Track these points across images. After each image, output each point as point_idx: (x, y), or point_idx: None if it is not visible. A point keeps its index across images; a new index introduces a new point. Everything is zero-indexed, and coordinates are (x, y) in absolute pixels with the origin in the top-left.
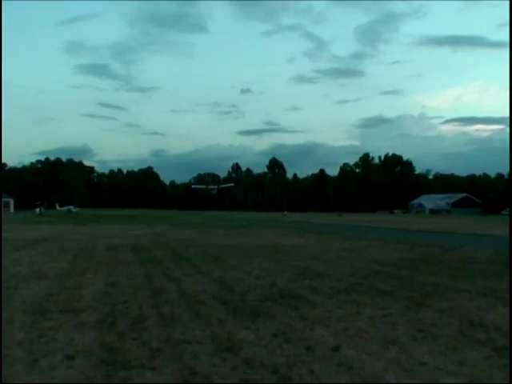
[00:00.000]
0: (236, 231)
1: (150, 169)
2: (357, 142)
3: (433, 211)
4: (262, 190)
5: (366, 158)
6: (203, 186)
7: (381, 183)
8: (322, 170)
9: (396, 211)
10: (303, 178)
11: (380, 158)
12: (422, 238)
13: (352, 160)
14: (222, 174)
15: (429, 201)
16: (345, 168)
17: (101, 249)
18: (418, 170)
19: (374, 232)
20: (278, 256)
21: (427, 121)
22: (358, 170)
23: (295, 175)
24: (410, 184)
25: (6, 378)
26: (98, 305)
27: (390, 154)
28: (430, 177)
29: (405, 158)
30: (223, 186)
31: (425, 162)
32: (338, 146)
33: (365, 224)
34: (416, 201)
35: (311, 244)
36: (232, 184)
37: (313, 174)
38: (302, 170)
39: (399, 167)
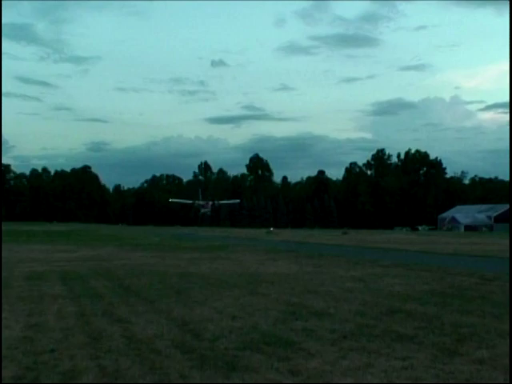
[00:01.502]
0: (206, 254)
1: (86, 168)
2: (368, 135)
3: (470, 227)
4: (241, 199)
5: (380, 156)
6: (189, 202)
7: (400, 190)
8: (321, 172)
9: (421, 228)
10: (296, 183)
11: (399, 156)
12: (456, 265)
13: (362, 158)
14: (186, 177)
15: (464, 214)
16: (352, 169)
17: (19, 278)
18: (449, 173)
19: (391, 256)
20: (262, 288)
21: (463, 106)
22: (369, 173)
23: (285, 179)
24: (439, 191)
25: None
26: (16, 355)
27: (413, 151)
28: (466, 182)
29: (432, 157)
30: (222, 202)
31: (459, 161)
32: (342, 140)
33: (379, 245)
34: (447, 214)
35: (306, 272)
36: (237, 200)
37: (309, 178)
38: (295, 171)
39: (425, 169)
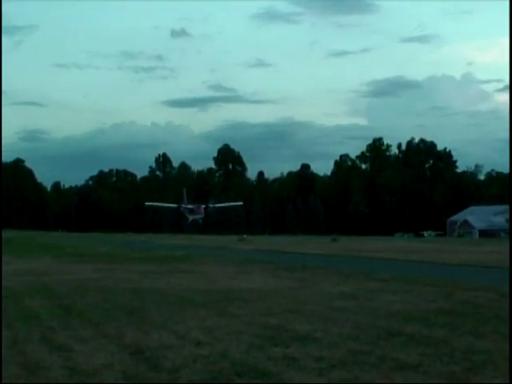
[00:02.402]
0: (164, 267)
1: (19, 162)
2: (363, 121)
3: (485, 233)
4: (207, 199)
5: (377, 147)
6: (171, 206)
7: (402, 188)
8: (305, 167)
9: (426, 233)
10: (275, 180)
11: (400, 146)
12: (468, 278)
13: (355, 149)
14: (140, 172)
15: (479, 216)
16: (343, 163)
17: None
18: (461, 167)
19: (390, 267)
20: (233, 308)
21: (477, 86)
22: (364, 166)
23: (261, 175)
24: (448, 189)
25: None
26: None
27: (417, 141)
28: (481, 177)
29: (440, 147)
30: (219, 205)
31: (472, 153)
32: (331, 127)
33: (375, 254)
34: (458, 216)
35: (287, 287)
36: (240, 203)
37: (291, 173)
38: (273, 165)
39: (431, 162)
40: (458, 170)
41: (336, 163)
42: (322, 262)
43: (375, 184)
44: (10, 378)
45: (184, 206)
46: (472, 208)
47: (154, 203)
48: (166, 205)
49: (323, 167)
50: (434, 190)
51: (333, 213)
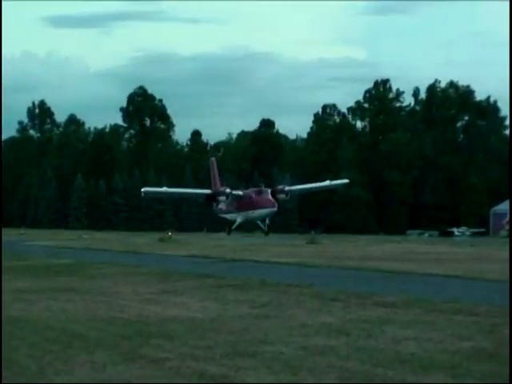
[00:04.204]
0: (44, 282)
1: None
2: (359, 52)
3: None
4: (109, 173)
5: (381, 94)
6: (199, 192)
7: (421, 159)
8: (267, 124)
9: (459, 231)
10: (218, 144)
11: (417, 93)
12: None
13: (346, 98)
14: (6, 132)
15: None
16: (327, 118)
17: None
18: None
19: (400, 285)
20: (150, 348)
21: None
22: (360, 125)
23: (197, 136)
24: (493, 162)
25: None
26: None
27: (444, 84)
28: None
29: (481, 95)
30: (299, 187)
31: None
32: (309, 62)
33: (376, 264)
34: (507, 204)
35: (237, 316)
36: (327, 182)
37: (244, 134)
38: (216, 121)
39: (466, 118)
40: (509, 132)
41: (316, 119)
42: (293, 276)
43: (378, 153)
44: None
45: (228, 190)
46: None
47: (159, 189)
48: (188, 191)
49: (295, 125)
50: (471, 163)
51: (310, 197)
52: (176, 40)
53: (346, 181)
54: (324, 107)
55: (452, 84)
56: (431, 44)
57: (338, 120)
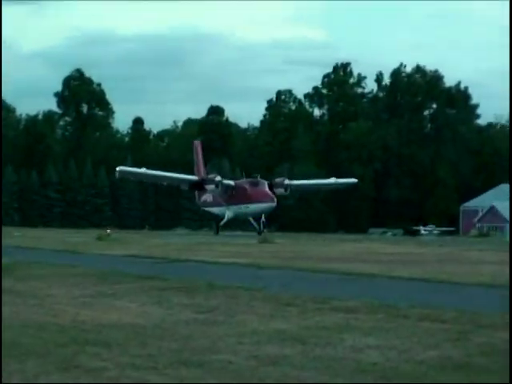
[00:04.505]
0: None
1: None
2: (317, 33)
3: None
4: (42, 165)
5: (341, 79)
6: (186, 178)
7: (384, 150)
8: (215, 111)
9: (426, 229)
10: (162, 133)
11: (381, 78)
12: (492, 306)
13: (303, 83)
14: None
15: None
16: (282, 105)
17: None
18: (486, 116)
19: (361, 289)
20: (86, 357)
21: None
22: (318, 113)
23: (139, 124)
24: (463, 153)
25: None
26: None
27: (410, 69)
28: None
29: (451, 81)
30: (303, 182)
31: (507, 92)
32: (262, 43)
33: (336, 266)
34: (480, 201)
35: (182, 322)
36: (354, 180)
37: (190, 122)
38: (160, 108)
39: (434, 106)
40: (481, 122)
41: (270, 106)
42: (243, 278)
43: (337, 144)
44: None
45: (218, 178)
46: (504, 187)
47: (137, 170)
48: (170, 175)
49: (247, 113)
50: (439, 155)
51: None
52: (116, 18)
53: (354, 180)
54: (278, 93)
55: (419, 69)
56: (397, 25)
57: (293, 107)
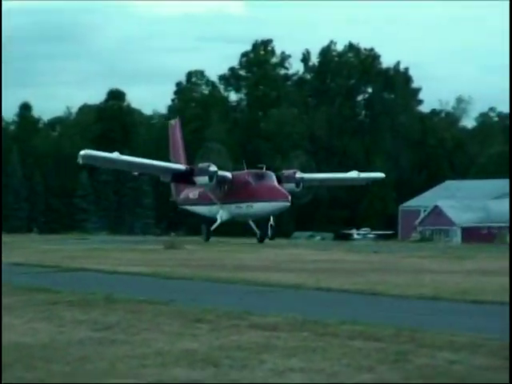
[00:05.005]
0: None
1: None
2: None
3: (475, 233)
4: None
5: (262, 55)
6: (176, 168)
7: (310, 141)
8: (116, 95)
9: (359, 233)
10: (54, 121)
11: (307, 55)
12: (438, 323)
13: (217, 63)
14: None
15: (463, 201)
16: (191, 88)
17: None
18: (429, 101)
19: (285, 302)
20: None
21: None
22: (235, 98)
23: (26, 110)
24: (402, 146)
25: None
26: None
27: (341, 47)
28: (470, 123)
29: (388, 61)
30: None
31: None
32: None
33: (253, 275)
34: (422, 201)
35: (76, 341)
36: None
37: (88, 107)
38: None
39: (369, 89)
40: (423, 109)
41: (179, 90)
42: (147, 289)
43: (257, 133)
44: None
45: (213, 168)
46: (449, 184)
47: (107, 155)
48: (150, 162)
49: (152, 98)
50: (375, 147)
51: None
52: None
53: (380, 175)
54: (189, 75)
55: (351, 47)
56: None
57: (206, 91)
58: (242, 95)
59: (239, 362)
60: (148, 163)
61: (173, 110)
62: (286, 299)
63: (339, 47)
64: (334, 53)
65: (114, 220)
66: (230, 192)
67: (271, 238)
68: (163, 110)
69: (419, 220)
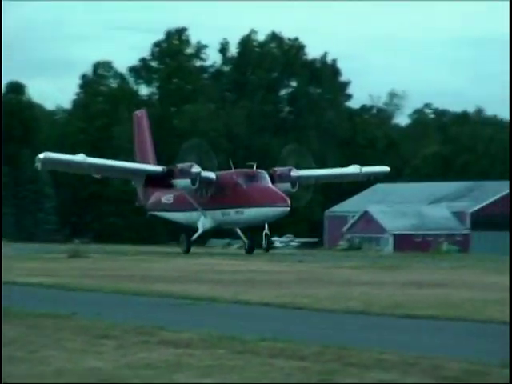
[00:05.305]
0: None
1: None
2: None
3: (408, 242)
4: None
5: (175, 45)
6: (152, 170)
7: (231, 140)
8: (14, 89)
9: (281, 241)
10: None
11: (225, 45)
12: (357, 339)
13: (126, 53)
14: None
15: (394, 206)
16: (98, 81)
17: None
18: (359, 96)
19: (199, 315)
20: None
21: None
22: (146, 91)
23: None
24: (327, 145)
25: None
26: None
27: (264, 36)
28: (403, 120)
29: (312, 50)
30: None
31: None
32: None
33: (166, 287)
34: (350, 205)
35: None
36: (386, 168)
37: None
38: None
39: (295, 84)
40: (352, 105)
41: (84, 83)
42: (48, 302)
43: (170, 131)
44: None
45: (196, 169)
46: (380, 187)
47: (71, 158)
48: (122, 164)
49: (55, 91)
50: (300, 145)
51: (71, 192)
52: None
53: (385, 169)
54: (95, 66)
55: (274, 36)
56: None
57: (114, 84)
58: (153, 89)
59: (148, 381)
60: (119, 166)
61: (77, 105)
62: (200, 313)
63: (260, 37)
64: (255, 43)
65: (12, 226)
66: (214, 196)
67: (267, 250)
68: (67, 104)
69: (347, 226)
